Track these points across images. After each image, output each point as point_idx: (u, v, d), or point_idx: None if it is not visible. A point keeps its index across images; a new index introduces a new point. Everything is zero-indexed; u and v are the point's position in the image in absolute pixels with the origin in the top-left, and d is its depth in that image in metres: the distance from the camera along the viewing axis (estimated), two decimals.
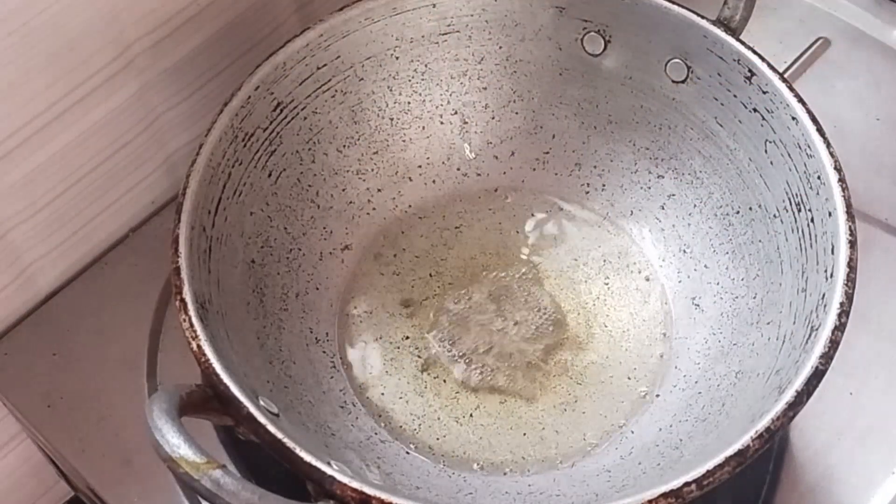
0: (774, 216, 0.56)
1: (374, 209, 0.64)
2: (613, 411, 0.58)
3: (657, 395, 0.58)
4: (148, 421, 0.43)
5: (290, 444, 0.45)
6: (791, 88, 0.55)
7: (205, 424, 0.55)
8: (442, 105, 0.64)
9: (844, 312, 0.49)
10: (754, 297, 0.57)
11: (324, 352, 0.59)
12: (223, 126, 0.55)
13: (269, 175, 0.59)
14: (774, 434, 0.46)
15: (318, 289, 0.61)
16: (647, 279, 0.62)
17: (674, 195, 0.62)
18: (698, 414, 0.54)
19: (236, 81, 0.56)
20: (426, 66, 0.63)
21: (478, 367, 0.59)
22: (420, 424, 0.58)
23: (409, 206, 0.65)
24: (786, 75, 0.57)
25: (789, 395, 0.46)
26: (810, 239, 0.53)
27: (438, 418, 0.58)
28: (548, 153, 0.65)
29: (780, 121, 0.55)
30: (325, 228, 0.62)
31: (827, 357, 0.48)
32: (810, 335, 0.49)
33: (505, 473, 0.56)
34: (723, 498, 0.57)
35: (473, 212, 0.65)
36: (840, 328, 0.48)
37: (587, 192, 0.65)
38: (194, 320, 0.48)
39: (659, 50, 0.59)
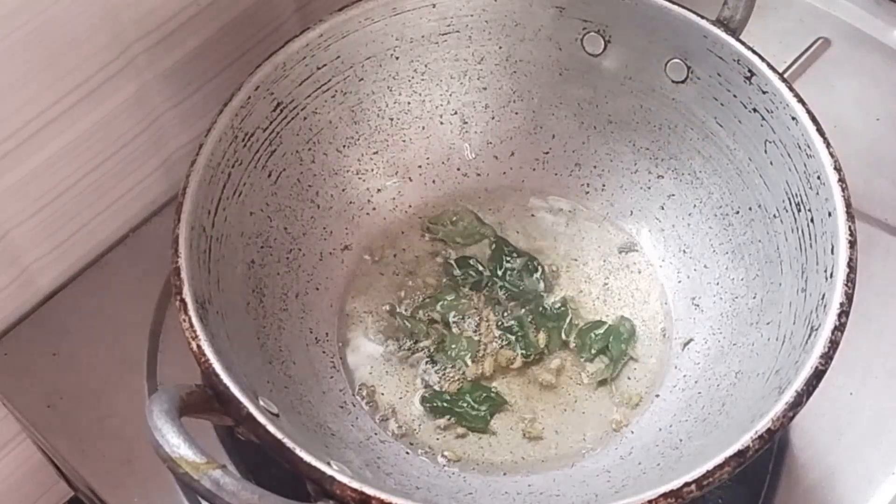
0: (774, 216, 0.56)
1: (374, 209, 0.64)
2: (613, 411, 0.58)
3: (657, 395, 0.58)
4: (148, 421, 0.43)
5: (290, 444, 0.45)
6: (791, 88, 0.55)
7: (205, 424, 0.55)
8: (442, 105, 0.64)
9: (844, 312, 0.49)
10: (754, 297, 0.57)
11: (324, 352, 0.59)
12: (223, 126, 0.55)
13: (269, 175, 0.59)
14: (774, 434, 0.46)
15: (318, 289, 0.61)
16: (648, 279, 0.62)
17: (674, 195, 0.62)
18: (698, 414, 0.54)
19: (236, 81, 0.56)
20: (426, 66, 0.63)
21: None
22: (420, 424, 0.58)
23: (409, 206, 0.65)
24: (786, 75, 0.57)
25: (789, 395, 0.46)
26: (810, 239, 0.53)
27: None
28: (548, 153, 0.65)
29: (780, 121, 0.55)
30: (325, 228, 0.62)
31: (827, 357, 0.48)
32: (810, 335, 0.49)
33: (505, 473, 0.56)
34: (723, 498, 0.57)
35: None
36: (840, 328, 0.48)
37: (587, 192, 0.65)
38: (194, 320, 0.48)
39: (659, 50, 0.59)
